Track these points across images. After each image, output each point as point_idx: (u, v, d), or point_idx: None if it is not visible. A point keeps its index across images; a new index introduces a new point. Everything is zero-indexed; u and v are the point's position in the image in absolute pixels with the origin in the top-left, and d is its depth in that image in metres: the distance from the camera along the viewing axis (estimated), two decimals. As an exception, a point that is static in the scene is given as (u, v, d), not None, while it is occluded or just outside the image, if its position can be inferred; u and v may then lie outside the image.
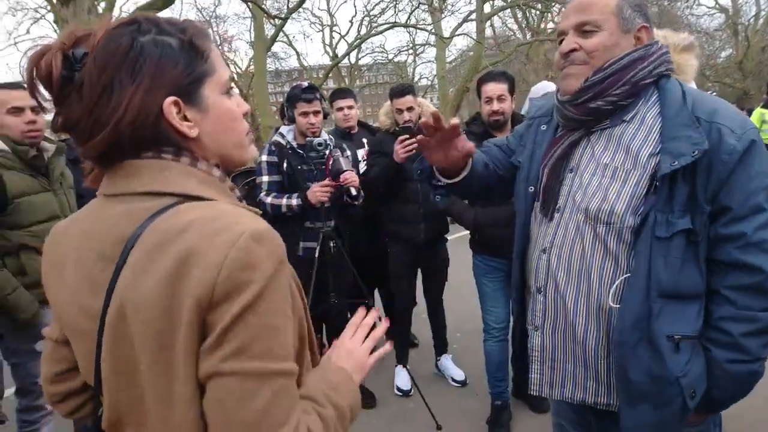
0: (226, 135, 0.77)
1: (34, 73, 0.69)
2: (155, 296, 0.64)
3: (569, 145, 1.25)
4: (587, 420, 1.37)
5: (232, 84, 0.82)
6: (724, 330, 1.12)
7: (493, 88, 2.52)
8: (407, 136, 2.73)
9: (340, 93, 3.41)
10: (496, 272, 2.61)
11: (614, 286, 1.14)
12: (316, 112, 2.77)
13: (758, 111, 6.16)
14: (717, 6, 23.55)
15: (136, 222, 0.68)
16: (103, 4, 9.37)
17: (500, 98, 2.51)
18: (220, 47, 18.07)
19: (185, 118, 0.72)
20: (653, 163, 1.11)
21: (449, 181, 1.36)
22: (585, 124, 1.23)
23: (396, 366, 3.18)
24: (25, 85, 0.72)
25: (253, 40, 16.20)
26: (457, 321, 3.64)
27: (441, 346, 3.31)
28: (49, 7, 12.64)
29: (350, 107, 3.30)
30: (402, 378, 3.11)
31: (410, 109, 2.96)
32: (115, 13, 12.13)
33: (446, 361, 3.27)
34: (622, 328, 1.12)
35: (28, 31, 14.26)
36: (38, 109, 2.07)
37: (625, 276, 1.13)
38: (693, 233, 1.09)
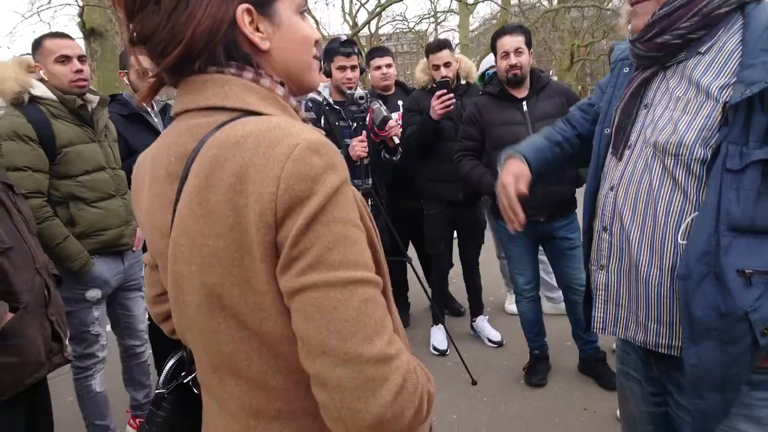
0: (297, 54, 0.75)
1: None
2: (220, 210, 0.62)
3: (642, 82, 1.21)
4: (649, 364, 1.35)
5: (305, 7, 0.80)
6: None
7: (510, 42, 2.42)
8: (444, 91, 2.67)
9: (379, 51, 3.36)
10: (519, 236, 2.53)
11: (684, 223, 1.10)
12: (353, 67, 2.73)
13: None
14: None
15: (197, 137, 0.67)
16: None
17: (517, 51, 2.41)
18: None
19: (257, 30, 0.71)
20: (726, 95, 1.05)
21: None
22: (657, 60, 1.18)
23: (432, 326, 3.18)
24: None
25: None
26: (490, 285, 3.62)
27: (476, 307, 3.30)
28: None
29: (389, 65, 3.23)
30: (438, 337, 3.10)
31: (447, 64, 2.90)
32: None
33: (482, 323, 3.25)
34: (687, 262, 1.07)
35: (49, 1, 14.26)
36: (84, 58, 2.06)
37: (695, 214, 1.09)
38: None
